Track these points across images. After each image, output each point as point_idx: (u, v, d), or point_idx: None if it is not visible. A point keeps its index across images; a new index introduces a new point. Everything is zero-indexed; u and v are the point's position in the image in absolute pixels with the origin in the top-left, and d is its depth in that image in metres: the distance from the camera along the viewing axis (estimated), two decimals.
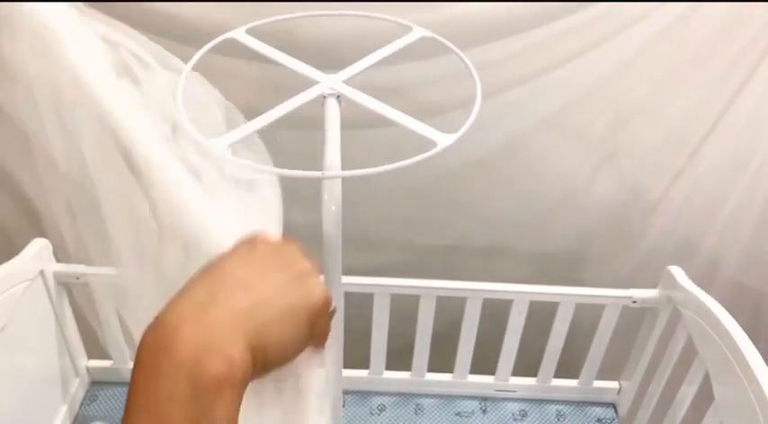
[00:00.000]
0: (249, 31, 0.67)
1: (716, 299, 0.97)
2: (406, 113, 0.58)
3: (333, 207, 0.55)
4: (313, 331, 0.41)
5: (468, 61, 0.65)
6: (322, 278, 0.45)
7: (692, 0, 1.03)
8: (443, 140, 0.56)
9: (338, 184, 0.55)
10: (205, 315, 0.36)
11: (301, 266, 0.41)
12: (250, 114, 0.58)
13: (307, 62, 0.64)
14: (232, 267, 0.39)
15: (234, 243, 0.42)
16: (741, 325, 0.91)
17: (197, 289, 0.38)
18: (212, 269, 0.40)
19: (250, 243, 0.42)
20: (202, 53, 0.63)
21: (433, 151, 0.55)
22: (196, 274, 0.39)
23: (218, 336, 0.35)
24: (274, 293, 0.39)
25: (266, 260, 0.40)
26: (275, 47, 0.66)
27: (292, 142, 0.92)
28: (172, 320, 0.36)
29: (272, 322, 0.38)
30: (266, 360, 0.38)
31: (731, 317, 0.93)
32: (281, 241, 0.43)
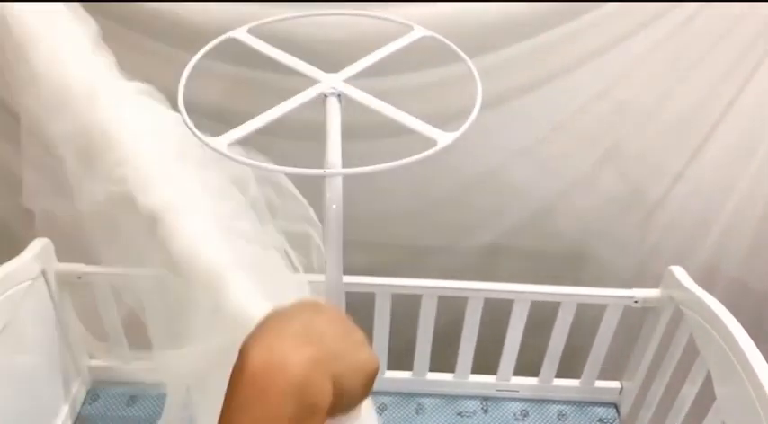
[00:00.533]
0: (251, 31, 0.67)
1: (717, 299, 0.97)
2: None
3: (334, 206, 0.55)
4: (365, 393, 0.45)
5: (466, 57, 0.65)
6: None
7: (695, 0, 1.03)
8: (444, 139, 0.56)
9: (339, 182, 0.55)
10: (304, 349, 0.39)
11: (360, 335, 0.46)
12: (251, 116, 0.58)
13: (308, 62, 0.65)
14: (311, 316, 0.43)
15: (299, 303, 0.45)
16: (742, 325, 0.91)
17: (292, 325, 0.40)
18: (295, 314, 0.42)
19: (317, 305, 0.45)
20: (206, 51, 0.64)
21: (434, 149, 0.55)
22: (282, 312, 0.42)
23: (317, 371, 0.39)
24: (349, 349, 0.43)
25: (336, 322, 0.44)
26: (277, 47, 0.66)
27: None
28: (278, 346, 0.38)
29: (347, 373, 0.42)
30: (336, 404, 0.41)
31: (733, 317, 0.93)
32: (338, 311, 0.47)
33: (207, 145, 0.54)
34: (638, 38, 1.08)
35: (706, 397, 0.98)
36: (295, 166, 0.53)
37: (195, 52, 0.65)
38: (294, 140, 0.97)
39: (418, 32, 0.69)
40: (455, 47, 0.66)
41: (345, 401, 0.42)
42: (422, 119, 0.59)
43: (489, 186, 1.27)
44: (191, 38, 1.02)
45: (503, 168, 1.25)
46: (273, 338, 0.39)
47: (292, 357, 0.38)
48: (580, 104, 1.16)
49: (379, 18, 0.70)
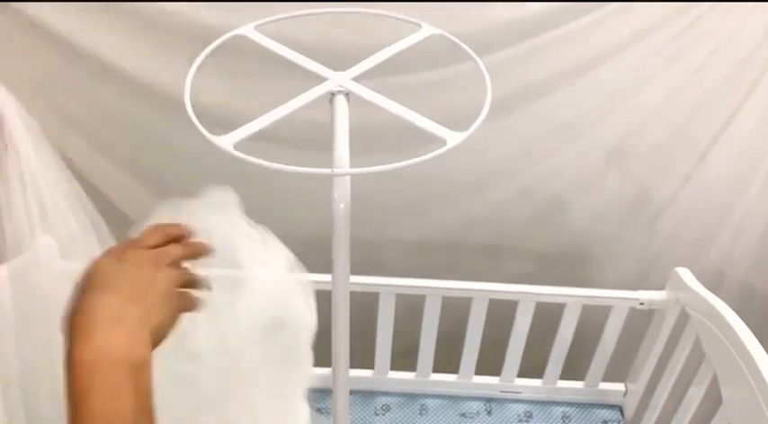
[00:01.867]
0: (258, 28, 0.67)
1: (724, 301, 0.97)
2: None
3: (342, 205, 0.55)
4: (180, 308, 0.54)
5: (476, 57, 0.65)
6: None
7: (703, 0, 1.03)
8: (453, 138, 0.56)
9: (347, 181, 0.55)
10: (120, 328, 0.48)
11: (162, 288, 0.52)
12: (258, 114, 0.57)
13: (315, 60, 0.64)
14: (114, 276, 0.51)
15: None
16: (749, 327, 0.91)
17: (103, 301, 0.49)
18: (98, 283, 0.50)
19: (120, 258, 0.52)
20: (212, 48, 0.63)
21: (443, 149, 0.55)
22: (84, 289, 0.50)
23: (136, 340, 0.48)
24: (155, 298, 0.51)
25: (133, 270, 0.52)
26: (284, 44, 0.65)
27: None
28: (98, 334, 0.47)
29: (161, 320, 0.51)
30: (157, 343, 0.51)
31: (740, 319, 0.92)
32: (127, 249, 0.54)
33: (214, 143, 0.54)
34: (645, 38, 1.07)
35: (712, 399, 0.98)
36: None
37: (203, 48, 0.64)
38: (299, 145, 0.97)
39: (426, 31, 0.69)
40: (464, 45, 0.65)
41: (166, 329, 0.52)
42: (428, 117, 0.59)
43: (494, 186, 1.26)
44: (198, 35, 1.03)
45: (508, 168, 1.24)
46: (91, 324, 0.47)
47: (113, 342, 0.47)
48: (587, 105, 1.16)
49: (387, 16, 0.70)
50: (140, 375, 0.47)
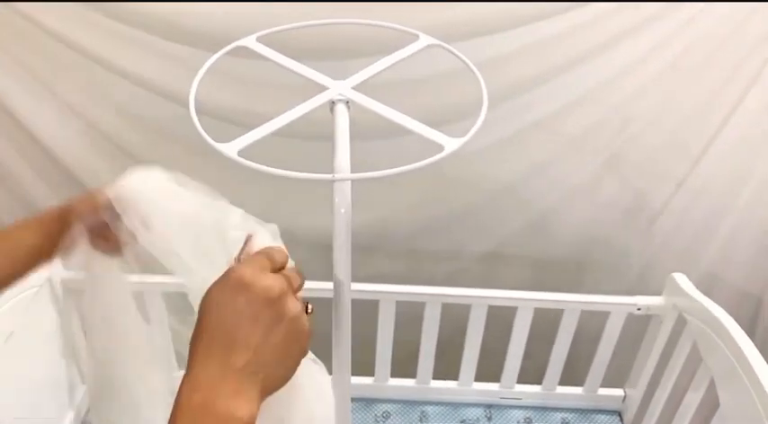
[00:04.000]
0: (260, 39, 0.68)
1: (720, 306, 0.98)
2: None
3: (343, 210, 0.55)
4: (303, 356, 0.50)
5: (474, 68, 0.66)
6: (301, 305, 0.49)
7: (697, 0, 1.04)
8: (450, 144, 0.57)
9: (348, 187, 0.56)
10: (227, 384, 0.44)
11: (287, 308, 0.47)
12: (262, 120, 0.59)
13: (315, 67, 0.65)
14: (229, 325, 0.45)
15: (220, 286, 0.47)
16: (744, 331, 0.91)
17: (212, 360, 0.45)
18: (211, 329, 0.46)
19: (236, 290, 0.46)
20: (214, 60, 0.64)
21: (441, 155, 0.56)
22: (200, 336, 0.46)
23: (242, 400, 0.44)
24: (273, 348, 0.46)
25: (255, 311, 0.46)
26: (285, 53, 0.67)
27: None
28: (205, 388, 0.44)
29: (275, 373, 0.47)
30: (271, 392, 0.47)
31: (736, 324, 0.93)
32: (263, 281, 0.47)
33: (218, 150, 0.55)
34: (637, 42, 1.09)
35: (710, 404, 0.98)
36: (304, 167, 0.54)
37: (204, 52, 0.66)
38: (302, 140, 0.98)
39: (424, 41, 0.70)
40: (463, 57, 0.67)
41: (284, 382, 0.48)
42: (425, 116, 0.60)
43: (492, 194, 1.27)
44: (199, 45, 1.05)
45: (505, 176, 1.25)
46: (199, 379, 0.44)
47: (217, 404, 0.43)
48: (581, 111, 1.17)
49: (385, 27, 0.71)
50: None
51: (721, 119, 1.15)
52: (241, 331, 0.45)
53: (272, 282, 0.47)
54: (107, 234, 0.66)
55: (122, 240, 0.66)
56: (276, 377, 0.47)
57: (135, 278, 1.10)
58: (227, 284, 0.46)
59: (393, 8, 0.99)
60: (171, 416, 0.43)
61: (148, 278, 1.11)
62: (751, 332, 1.18)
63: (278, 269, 0.49)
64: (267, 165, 0.53)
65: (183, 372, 0.46)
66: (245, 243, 0.55)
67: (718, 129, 1.16)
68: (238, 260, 0.54)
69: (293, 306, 0.47)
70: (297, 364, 0.49)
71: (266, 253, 0.50)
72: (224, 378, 0.44)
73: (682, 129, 1.18)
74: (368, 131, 0.83)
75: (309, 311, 0.51)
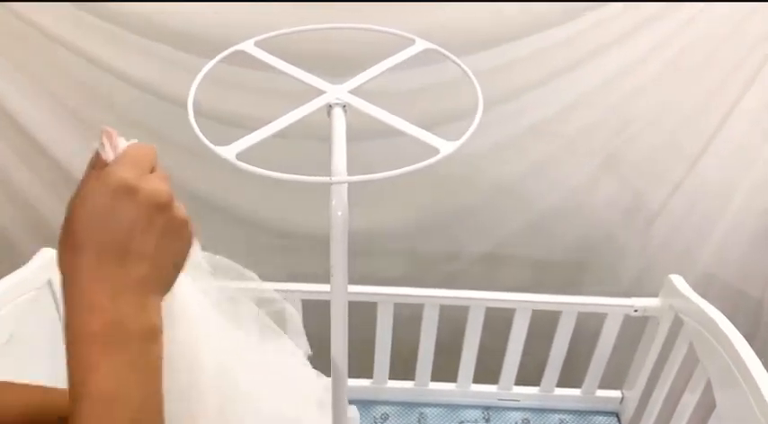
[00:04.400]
0: (258, 44, 0.69)
1: (716, 307, 0.98)
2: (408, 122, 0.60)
3: (340, 213, 0.56)
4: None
5: (469, 72, 0.66)
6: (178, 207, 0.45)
7: (692, 0, 1.05)
8: (446, 147, 0.57)
9: (345, 189, 0.56)
10: (129, 299, 0.41)
11: (177, 212, 0.44)
12: (259, 123, 0.59)
13: (311, 71, 0.66)
14: (119, 235, 0.41)
15: (101, 189, 0.41)
16: (741, 333, 0.92)
17: (103, 275, 0.40)
18: (95, 240, 0.40)
19: (121, 195, 0.41)
20: (212, 65, 0.65)
21: (436, 158, 0.56)
22: (81, 248, 0.40)
23: (148, 308, 0.42)
24: (168, 255, 0.43)
25: (147, 218, 0.42)
26: (282, 57, 0.67)
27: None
28: (104, 308, 0.40)
29: (171, 276, 0.45)
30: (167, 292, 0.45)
31: (732, 325, 0.94)
32: (149, 184, 0.42)
33: (216, 153, 0.55)
34: (635, 44, 1.09)
35: (706, 405, 0.99)
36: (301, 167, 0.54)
37: (202, 56, 0.66)
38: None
39: (420, 45, 0.71)
40: (459, 61, 0.67)
41: (177, 274, 0.46)
42: (422, 118, 0.61)
43: (490, 195, 1.28)
44: (196, 50, 1.05)
45: (503, 177, 1.26)
46: (94, 289, 0.40)
47: (122, 311, 0.40)
48: (579, 113, 1.18)
49: (381, 32, 0.72)
50: (151, 347, 0.41)
51: (719, 119, 1.16)
52: (134, 242, 0.41)
53: (159, 185, 0.42)
54: None
55: None
56: (171, 279, 0.45)
57: None
58: (109, 187, 0.41)
59: (391, 16, 1.00)
60: (66, 345, 0.40)
61: None
62: (752, 334, 1.19)
63: (153, 169, 0.44)
64: (265, 166, 0.53)
65: None
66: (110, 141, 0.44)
67: (716, 130, 1.17)
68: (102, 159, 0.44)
69: (181, 210, 0.44)
70: (187, 260, 0.46)
71: (141, 151, 0.44)
72: (123, 293, 0.40)
73: (680, 130, 1.18)
74: (365, 133, 0.84)
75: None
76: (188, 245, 0.46)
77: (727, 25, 1.07)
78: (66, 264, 0.41)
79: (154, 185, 0.42)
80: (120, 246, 0.41)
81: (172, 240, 0.43)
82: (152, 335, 0.42)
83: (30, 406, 0.59)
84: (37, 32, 1.08)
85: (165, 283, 0.44)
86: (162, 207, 0.42)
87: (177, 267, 0.45)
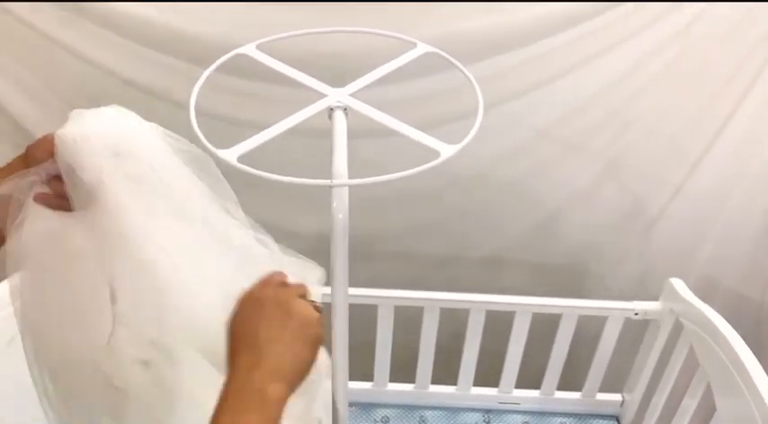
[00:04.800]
0: (260, 47, 0.69)
1: (716, 310, 0.98)
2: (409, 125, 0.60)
3: (340, 215, 0.56)
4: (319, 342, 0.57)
5: (470, 75, 0.67)
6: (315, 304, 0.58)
7: (693, 0, 1.05)
8: (446, 150, 0.58)
9: (346, 192, 0.57)
10: (256, 381, 0.52)
11: (293, 307, 0.56)
12: (262, 127, 0.60)
13: (313, 74, 0.66)
14: (248, 334, 0.55)
15: (238, 307, 0.56)
16: (742, 336, 0.92)
17: (239, 368, 0.53)
18: (236, 342, 0.55)
19: (249, 305, 0.56)
20: (215, 67, 0.65)
21: (437, 161, 0.57)
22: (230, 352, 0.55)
23: (270, 387, 0.52)
24: (292, 349, 0.55)
25: (268, 315, 0.55)
26: (284, 61, 0.68)
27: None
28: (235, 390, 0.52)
29: (295, 363, 0.55)
30: (298, 380, 0.55)
31: (732, 329, 0.94)
32: (268, 292, 0.57)
33: (218, 157, 0.56)
34: (637, 48, 1.09)
35: (707, 409, 0.99)
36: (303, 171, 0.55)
37: (202, 64, 0.67)
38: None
39: (422, 49, 0.71)
40: (459, 64, 0.68)
41: (303, 376, 0.56)
42: (422, 123, 0.61)
43: (491, 198, 1.28)
44: (197, 52, 1.06)
45: (504, 181, 1.26)
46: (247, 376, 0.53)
47: (273, 394, 0.52)
48: (580, 116, 1.18)
49: (383, 35, 0.72)
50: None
51: (721, 122, 1.16)
52: (261, 331, 0.54)
53: (277, 291, 0.57)
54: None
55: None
56: (297, 368, 0.55)
57: None
58: (242, 306, 0.57)
59: (395, 22, 1.00)
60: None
61: None
62: (753, 337, 1.18)
63: (280, 285, 0.58)
64: (267, 168, 0.54)
65: None
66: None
67: (717, 133, 1.17)
68: None
69: (298, 304, 0.56)
70: (314, 355, 0.57)
71: (268, 277, 0.59)
72: (251, 378, 0.52)
73: (681, 134, 1.18)
74: (366, 130, 0.84)
75: (319, 309, 0.59)
76: (310, 335, 0.56)
77: (727, 27, 1.07)
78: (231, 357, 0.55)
79: (272, 292, 0.57)
80: (249, 342, 0.54)
81: (292, 329, 0.55)
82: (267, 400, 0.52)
83: None
84: (36, 34, 1.09)
85: (289, 368, 0.54)
86: (279, 304, 0.56)
87: (302, 354, 0.56)
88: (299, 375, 0.56)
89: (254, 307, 0.56)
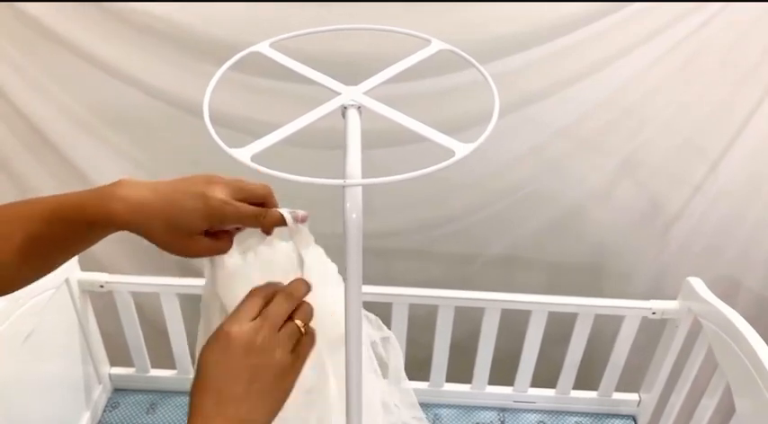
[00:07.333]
0: (273, 45, 0.69)
1: (737, 311, 0.97)
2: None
3: (354, 215, 0.56)
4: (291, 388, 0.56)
5: (486, 73, 0.66)
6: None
7: (711, 0, 1.03)
8: (461, 150, 0.57)
9: (359, 192, 0.56)
10: None
11: (266, 355, 0.54)
12: (274, 128, 0.59)
13: (326, 73, 0.66)
14: (216, 381, 0.52)
15: (209, 345, 0.54)
16: (762, 337, 0.91)
17: (204, 413, 0.51)
18: (203, 386, 0.52)
19: (220, 347, 0.53)
20: (229, 65, 0.65)
21: (452, 160, 0.56)
22: (195, 393, 0.52)
23: None
24: (259, 394, 0.53)
25: (238, 364, 0.53)
26: (297, 59, 0.67)
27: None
28: None
29: (264, 412, 0.53)
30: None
31: (752, 328, 0.92)
32: (243, 334, 0.54)
33: (231, 156, 0.56)
34: (654, 45, 1.08)
35: (725, 410, 0.98)
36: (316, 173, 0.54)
37: (216, 61, 0.67)
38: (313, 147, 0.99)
39: (436, 46, 0.70)
40: (474, 61, 0.67)
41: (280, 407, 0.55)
42: (436, 123, 0.60)
43: (507, 197, 1.27)
44: (211, 49, 1.06)
45: (521, 180, 1.25)
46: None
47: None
48: (597, 116, 1.17)
49: (398, 32, 0.71)
50: None
51: (742, 120, 1.14)
52: (225, 387, 0.51)
53: (250, 334, 0.53)
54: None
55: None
56: (266, 415, 0.53)
57: (153, 279, 1.12)
58: (214, 341, 0.54)
59: (409, 20, 1.00)
60: None
61: (165, 279, 1.13)
62: None
63: (258, 312, 0.55)
64: (279, 171, 0.53)
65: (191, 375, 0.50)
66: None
67: (737, 132, 1.15)
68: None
69: (272, 351, 0.54)
70: (284, 400, 0.55)
71: (254, 295, 0.57)
72: None
73: (700, 132, 1.17)
74: (380, 138, 0.84)
75: (303, 332, 0.57)
76: (283, 382, 0.55)
77: (745, 25, 1.06)
78: (189, 402, 0.52)
79: (245, 335, 0.53)
80: (216, 390, 0.52)
81: (264, 379, 0.53)
82: None
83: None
84: (46, 34, 1.09)
85: (259, 416, 0.53)
86: (250, 352, 0.53)
87: (273, 404, 0.54)
88: (264, 421, 0.54)
89: (222, 350, 0.53)
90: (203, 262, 0.65)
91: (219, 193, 0.58)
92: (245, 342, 0.53)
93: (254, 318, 0.55)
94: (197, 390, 0.52)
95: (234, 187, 0.60)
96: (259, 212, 0.61)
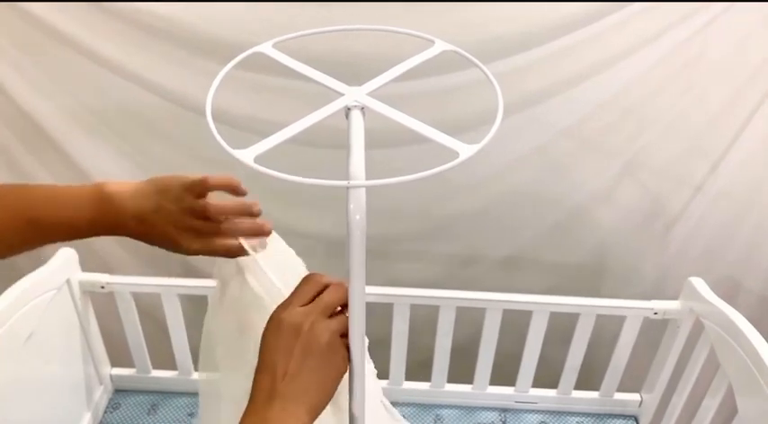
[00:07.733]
0: (276, 46, 0.68)
1: (739, 311, 0.97)
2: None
3: (357, 216, 0.56)
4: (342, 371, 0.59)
5: (489, 73, 0.66)
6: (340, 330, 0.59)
7: (711, 0, 1.03)
8: (465, 151, 0.57)
9: (363, 193, 0.56)
10: (274, 407, 0.55)
11: (314, 336, 0.57)
12: (277, 127, 0.59)
13: (328, 72, 0.66)
14: (270, 361, 0.57)
15: (264, 331, 0.58)
16: (765, 339, 0.91)
17: (262, 391, 0.56)
18: (260, 367, 0.57)
19: (273, 330, 0.58)
20: (231, 66, 0.65)
21: (456, 161, 0.56)
22: (255, 375, 0.57)
23: (288, 416, 0.54)
24: (309, 372, 0.56)
25: (289, 344, 0.57)
26: (300, 60, 0.67)
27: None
28: (258, 412, 0.55)
29: (317, 391, 0.57)
30: (319, 408, 0.57)
31: (754, 329, 0.92)
32: (292, 317, 0.58)
33: (234, 157, 0.55)
34: (656, 47, 1.08)
35: (728, 410, 0.97)
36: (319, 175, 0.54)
37: (219, 61, 0.66)
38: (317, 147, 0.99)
39: (440, 46, 0.70)
40: (478, 62, 0.66)
41: (327, 401, 0.58)
42: (439, 124, 0.60)
43: (509, 198, 1.27)
44: (214, 49, 1.06)
45: (523, 181, 1.25)
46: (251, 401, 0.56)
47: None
48: (599, 117, 1.17)
49: (401, 33, 0.71)
50: None
51: (743, 120, 1.14)
52: (279, 364, 0.56)
53: (300, 317, 0.58)
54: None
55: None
56: (319, 395, 0.57)
57: (154, 280, 1.12)
58: (269, 326, 0.58)
59: (409, 20, 1.00)
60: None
61: (166, 280, 1.13)
62: None
63: (311, 299, 0.60)
64: (282, 172, 0.53)
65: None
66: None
67: (739, 132, 1.15)
68: None
69: (320, 333, 0.57)
70: (337, 379, 0.59)
71: (298, 290, 0.61)
72: (271, 403, 0.54)
73: (701, 133, 1.17)
74: (382, 138, 0.83)
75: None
76: (332, 364, 0.58)
77: (749, 26, 1.05)
78: (254, 378, 0.57)
79: (296, 318, 0.58)
80: (270, 369, 0.56)
81: (314, 358, 0.57)
82: None
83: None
84: (49, 32, 1.09)
85: (311, 396, 0.56)
86: (298, 334, 0.57)
87: (324, 383, 0.58)
88: (320, 403, 0.57)
89: (275, 332, 0.57)
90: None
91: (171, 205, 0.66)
92: (295, 324, 0.57)
93: (305, 305, 0.59)
94: (256, 371, 0.57)
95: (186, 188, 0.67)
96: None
